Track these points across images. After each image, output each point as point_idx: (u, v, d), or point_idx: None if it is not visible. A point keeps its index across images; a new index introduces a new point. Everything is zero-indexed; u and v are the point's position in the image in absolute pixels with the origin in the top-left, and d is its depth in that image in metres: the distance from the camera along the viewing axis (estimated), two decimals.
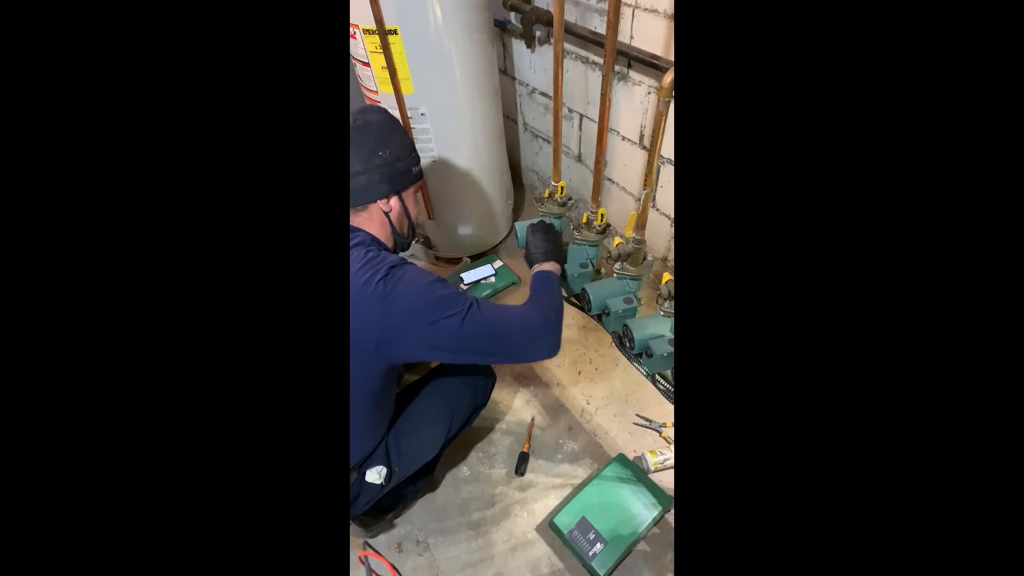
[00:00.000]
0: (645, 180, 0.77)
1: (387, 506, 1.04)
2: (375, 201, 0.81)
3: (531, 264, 0.92)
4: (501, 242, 1.67)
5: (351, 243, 0.77)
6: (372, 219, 0.82)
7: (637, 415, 1.22)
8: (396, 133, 0.83)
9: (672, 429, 1.18)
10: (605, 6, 1.15)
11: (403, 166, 0.83)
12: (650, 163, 0.74)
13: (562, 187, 0.99)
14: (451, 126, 1.30)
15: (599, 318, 0.98)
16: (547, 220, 1.01)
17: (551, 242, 0.93)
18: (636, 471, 1.08)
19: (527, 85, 1.59)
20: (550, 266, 0.90)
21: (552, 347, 0.79)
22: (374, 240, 0.81)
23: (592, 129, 1.42)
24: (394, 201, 0.83)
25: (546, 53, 1.42)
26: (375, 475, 0.88)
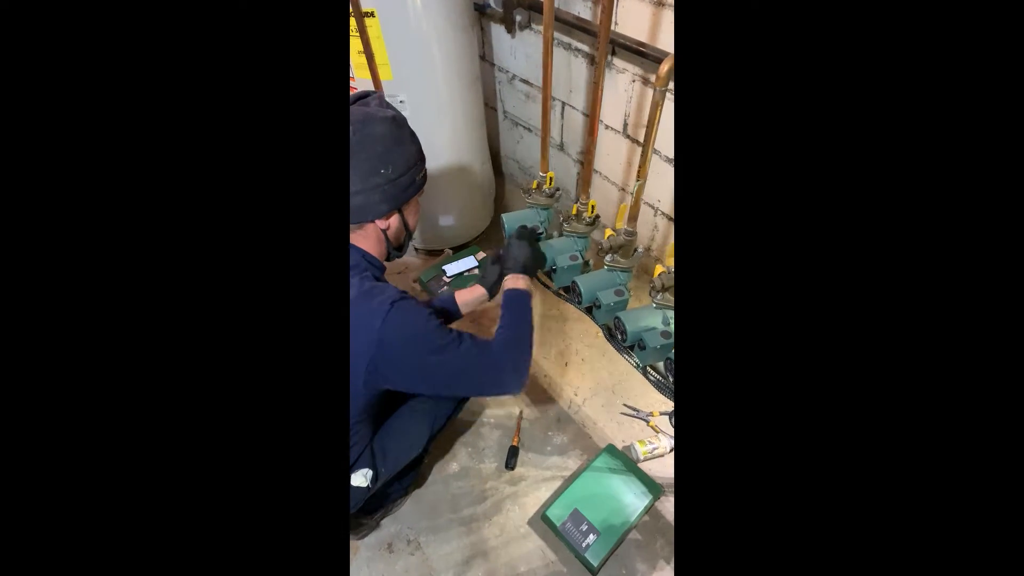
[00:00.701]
0: (639, 171, 0.75)
1: (372, 507, 1.02)
2: (372, 221, 0.75)
3: (505, 272, 0.91)
4: (483, 233, 1.65)
5: None
6: (367, 236, 0.77)
7: (624, 405, 1.23)
8: (401, 144, 0.74)
9: (659, 418, 1.19)
10: None
11: (406, 181, 0.75)
12: (644, 154, 0.73)
13: (551, 178, 0.97)
14: (432, 114, 1.26)
15: (588, 310, 0.97)
16: (530, 225, 0.99)
17: (533, 254, 0.92)
18: (626, 461, 1.09)
19: (507, 71, 1.55)
20: (524, 283, 0.89)
21: (515, 386, 0.79)
22: (366, 259, 0.76)
23: (574, 117, 1.40)
24: (393, 218, 0.77)
25: (527, 39, 1.39)
26: (360, 478, 0.86)
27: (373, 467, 0.86)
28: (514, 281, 0.88)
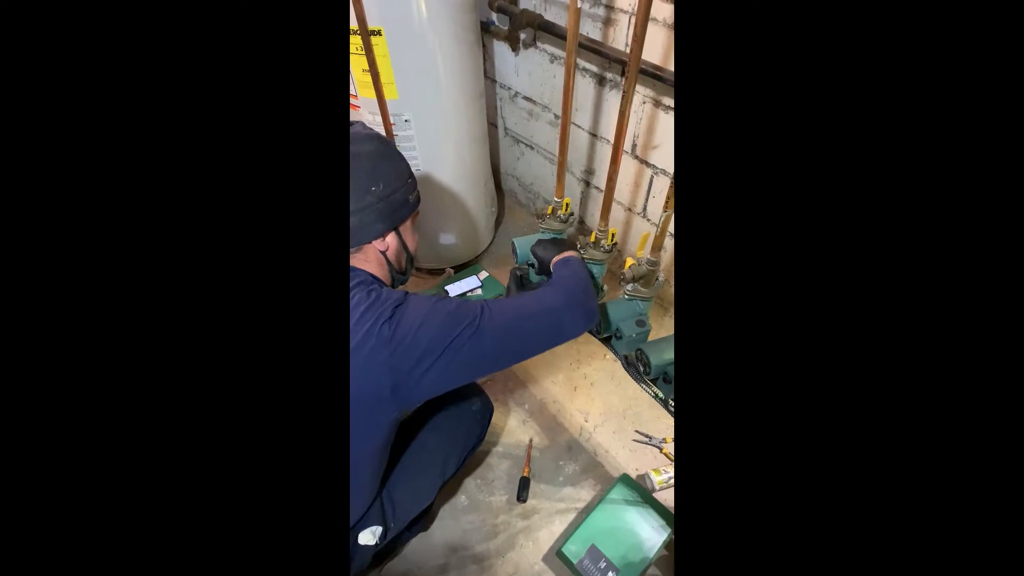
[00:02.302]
0: (666, 203, 0.73)
1: (380, 554, 0.97)
2: (370, 242, 0.72)
3: (545, 266, 0.88)
4: (484, 251, 1.61)
5: (351, 283, 0.68)
6: (368, 260, 0.73)
7: (636, 431, 1.20)
8: (390, 161, 0.73)
9: (672, 445, 1.17)
10: (600, 11, 1.11)
11: (399, 198, 0.73)
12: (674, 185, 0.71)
13: (567, 204, 0.94)
14: (436, 133, 1.23)
15: (607, 340, 0.94)
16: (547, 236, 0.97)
17: (562, 243, 0.90)
18: (641, 492, 1.06)
19: (509, 89, 1.52)
20: (568, 253, 0.86)
21: (583, 318, 0.73)
22: (373, 278, 0.72)
23: (580, 136, 1.38)
24: (391, 238, 0.74)
25: (531, 57, 1.37)
26: (368, 536, 0.80)
27: (383, 523, 0.81)
28: (561, 256, 0.86)
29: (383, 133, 1.13)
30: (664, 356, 0.82)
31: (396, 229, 0.75)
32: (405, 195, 0.74)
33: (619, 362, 1.00)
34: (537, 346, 0.72)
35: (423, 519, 1.02)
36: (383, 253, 0.74)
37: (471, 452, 0.98)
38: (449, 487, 1.11)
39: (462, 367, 0.65)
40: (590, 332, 0.95)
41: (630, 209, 1.37)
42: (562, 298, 0.73)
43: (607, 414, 1.24)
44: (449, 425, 0.93)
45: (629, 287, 0.87)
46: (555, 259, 0.86)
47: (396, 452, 0.87)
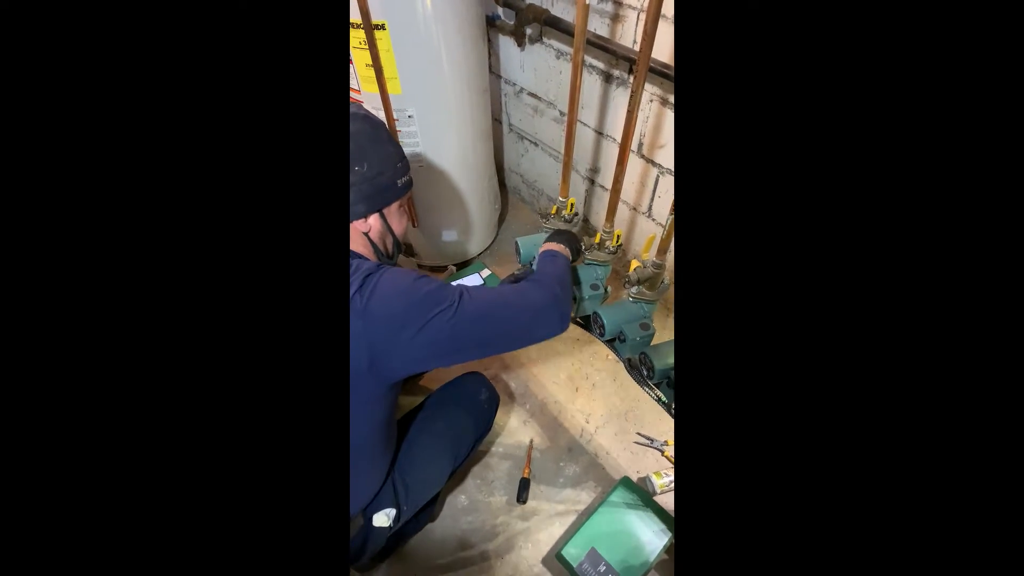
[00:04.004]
0: (673, 205, 0.71)
1: (388, 547, 0.97)
2: (351, 222, 0.72)
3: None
4: (487, 249, 1.60)
5: None
6: (351, 239, 0.73)
7: (638, 433, 1.19)
8: (377, 143, 0.72)
9: (674, 447, 1.16)
10: (608, 7, 1.09)
11: (385, 181, 0.72)
12: None
13: (571, 204, 0.93)
14: (440, 128, 1.21)
15: (610, 342, 0.93)
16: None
17: (571, 241, 0.91)
18: (642, 495, 1.05)
19: (514, 84, 1.50)
20: (557, 247, 0.86)
21: (558, 322, 0.72)
22: (355, 255, 0.71)
23: (585, 134, 1.36)
24: (374, 219, 0.74)
25: (537, 52, 1.35)
26: (383, 518, 0.81)
27: (396, 505, 0.81)
28: (550, 247, 0.86)
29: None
30: (668, 360, 0.80)
31: (380, 211, 0.74)
32: (392, 179, 0.74)
33: (621, 364, 0.98)
34: (509, 341, 0.71)
35: (430, 508, 1.02)
36: (366, 234, 0.74)
37: (479, 441, 0.99)
38: (450, 486, 1.10)
39: (438, 348, 0.63)
40: (595, 335, 0.94)
41: (635, 208, 1.35)
42: (543, 298, 0.72)
43: (608, 415, 1.23)
44: (459, 415, 0.94)
45: (634, 290, 0.86)
46: (543, 248, 0.86)
47: (409, 440, 0.89)
